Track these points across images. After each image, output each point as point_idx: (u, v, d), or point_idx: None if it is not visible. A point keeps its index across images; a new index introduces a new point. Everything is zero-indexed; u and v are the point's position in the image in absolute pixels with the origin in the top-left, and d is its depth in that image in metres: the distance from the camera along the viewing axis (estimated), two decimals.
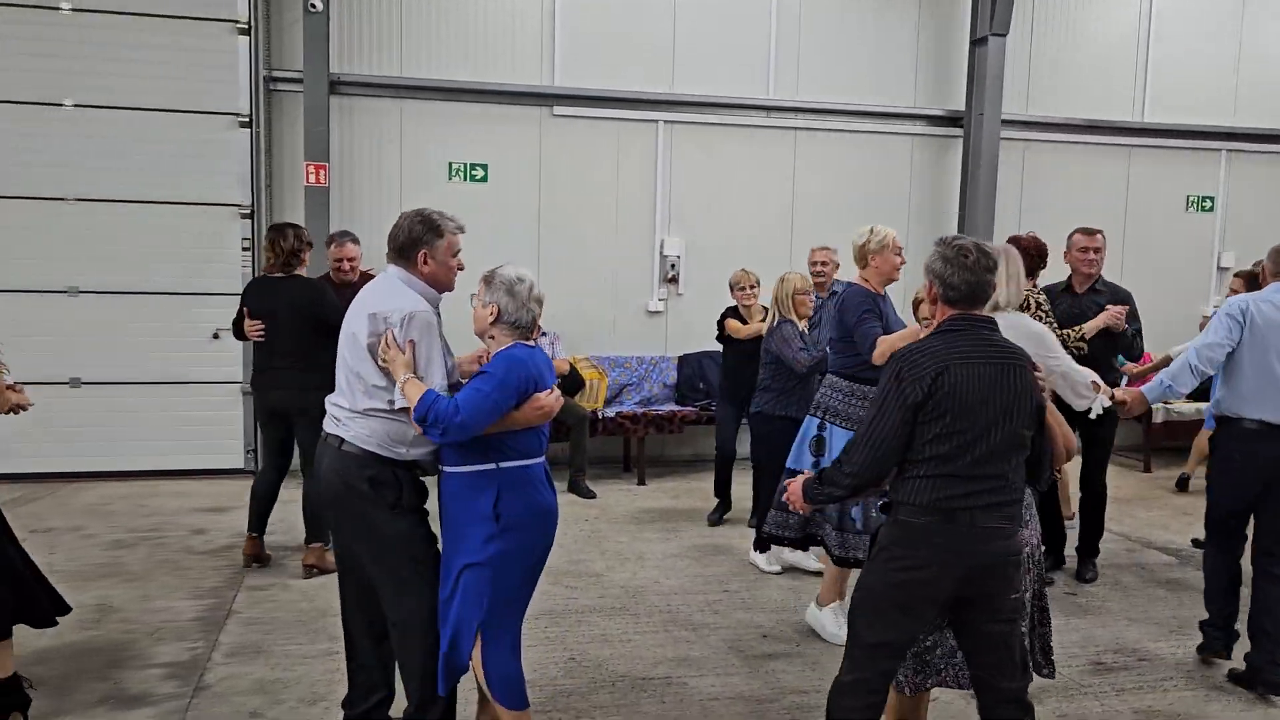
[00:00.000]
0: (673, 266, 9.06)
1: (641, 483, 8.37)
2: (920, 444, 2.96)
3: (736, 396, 6.96)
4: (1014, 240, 6.10)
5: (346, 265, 6.29)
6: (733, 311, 7.08)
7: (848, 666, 3.10)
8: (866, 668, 3.06)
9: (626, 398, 8.77)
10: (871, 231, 4.89)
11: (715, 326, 7.15)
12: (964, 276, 3.02)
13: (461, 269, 3.54)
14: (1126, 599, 5.83)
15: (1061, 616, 5.38)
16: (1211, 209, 10.37)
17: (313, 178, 8.12)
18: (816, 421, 4.98)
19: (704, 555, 6.49)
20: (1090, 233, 6.19)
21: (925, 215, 9.62)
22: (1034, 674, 3.30)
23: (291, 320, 5.66)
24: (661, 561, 6.32)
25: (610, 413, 8.41)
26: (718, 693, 4.44)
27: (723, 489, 7.29)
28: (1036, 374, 3.09)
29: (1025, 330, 4.22)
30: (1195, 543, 6.77)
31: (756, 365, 6.41)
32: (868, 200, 9.41)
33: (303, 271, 5.81)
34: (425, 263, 3.45)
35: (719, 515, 7.26)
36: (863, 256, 4.91)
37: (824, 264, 7.02)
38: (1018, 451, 3.01)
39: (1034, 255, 5.79)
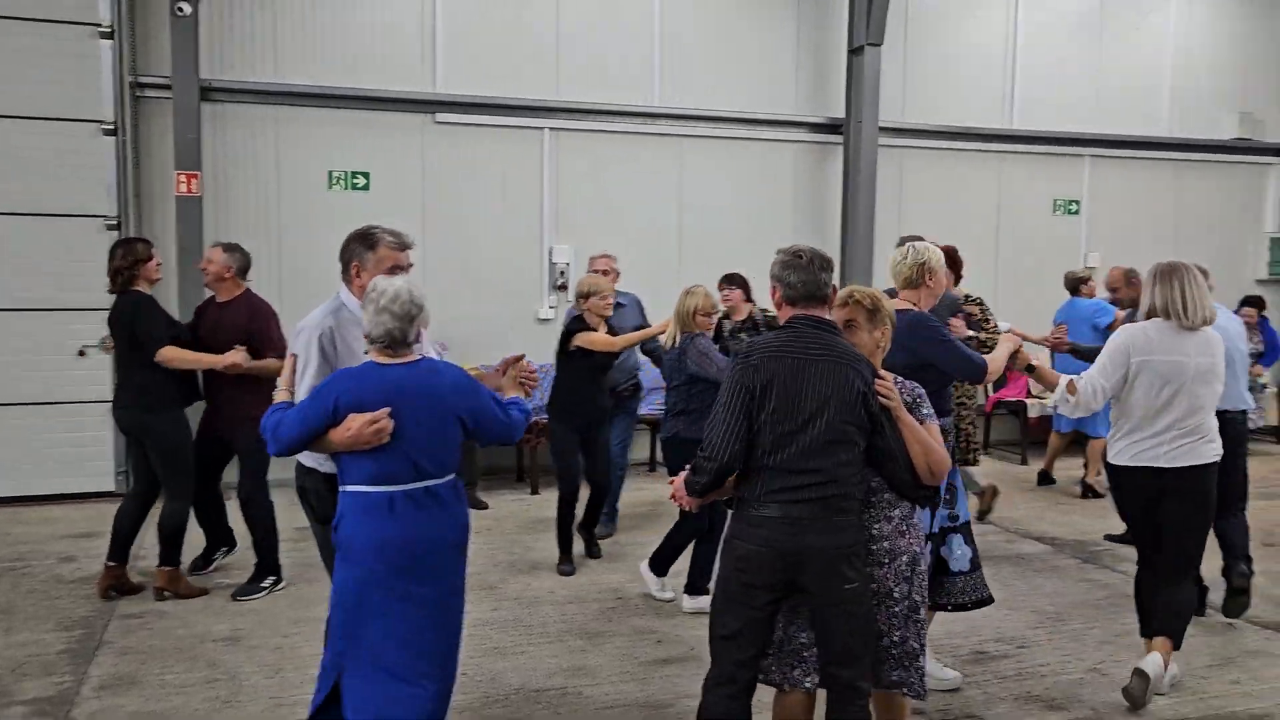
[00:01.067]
0: (562, 274, 9.03)
1: (535, 492, 8.30)
2: (754, 436, 3.13)
3: (574, 420, 6.22)
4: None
5: (210, 273, 5.78)
6: (580, 322, 6.20)
7: (711, 662, 3.26)
8: (722, 659, 3.21)
9: None
10: (925, 250, 4.30)
11: (560, 340, 6.28)
12: (800, 276, 3.20)
13: None
14: (1006, 589, 6.03)
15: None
16: (1077, 212, 10.87)
17: (184, 187, 7.82)
18: None
19: (599, 563, 6.47)
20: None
21: (809, 220, 9.81)
22: (896, 681, 3.31)
23: (118, 339, 5.60)
24: (556, 571, 6.28)
25: None
26: (613, 701, 4.42)
27: (568, 537, 6.31)
28: (881, 382, 3.19)
29: None
30: (1109, 538, 7.05)
31: (600, 384, 6.19)
32: (754, 205, 9.57)
33: (143, 287, 5.57)
34: (358, 275, 3.54)
35: (570, 565, 6.28)
36: (921, 276, 4.27)
37: (605, 273, 6.76)
38: (842, 448, 3.12)
39: (956, 263, 6.16)
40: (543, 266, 9.06)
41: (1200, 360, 4.37)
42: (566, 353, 6.19)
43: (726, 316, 7.02)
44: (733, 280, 6.97)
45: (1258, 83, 11.37)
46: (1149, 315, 4.47)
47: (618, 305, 6.72)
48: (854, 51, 9.54)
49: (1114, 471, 4.60)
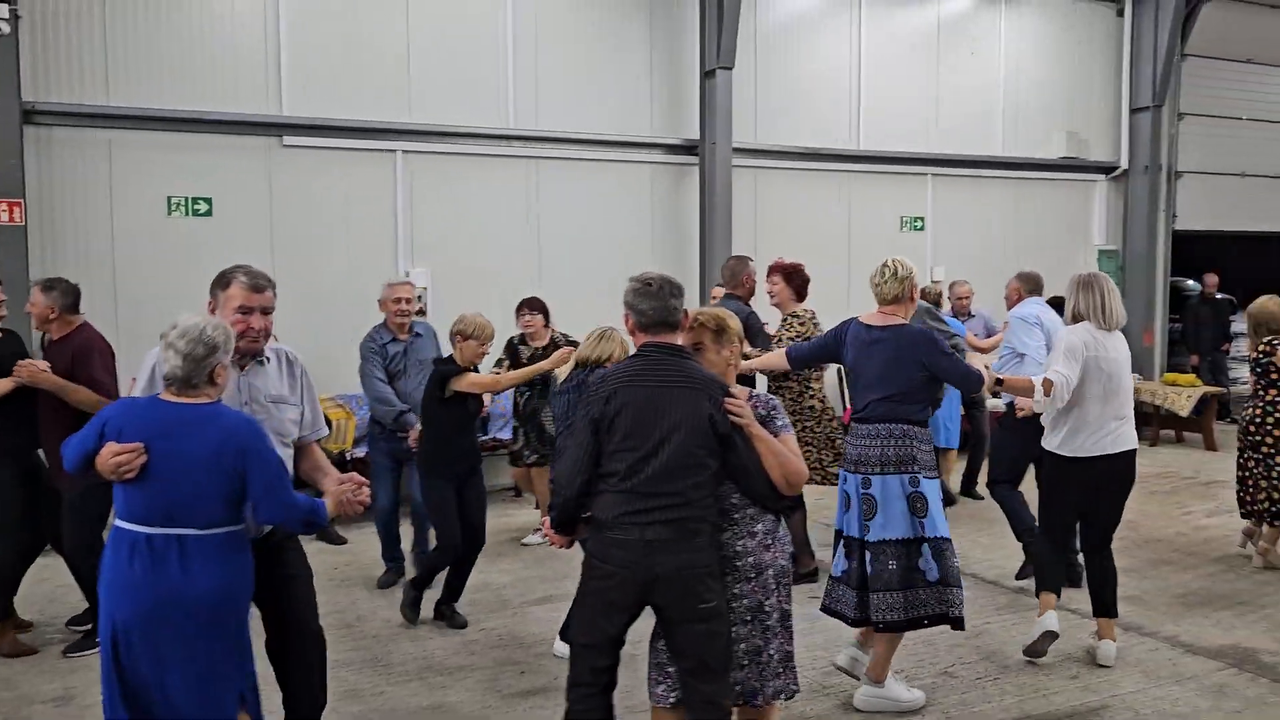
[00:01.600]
0: (420, 298, 8.84)
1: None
2: (605, 460, 3.24)
3: (448, 471, 5.58)
4: (779, 266, 6.45)
5: (35, 315, 5.39)
6: (450, 363, 5.58)
7: (570, 664, 3.44)
8: (579, 666, 3.36)
9: None
10: (906, 266, 4.51)
11: (431, 384, 5.63)
12: (651, 304, 3.30)
13: (255, 326, 3.49)
14: None
15: (808, 619, 5.63)
16: (922, 228, 11.32)
17: (5, 216, 7.33)
18: (906, 478, 4.34)
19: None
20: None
21: (668, 241, 9.91)
22: (776, 691, 3.42)
23: None
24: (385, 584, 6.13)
25: (360, 452, 8.08)
26: None
27: (430, 577, 5.81)
28: (732, 402, 3.24)
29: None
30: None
31: (472, 430, 5.76)
32: (612, 226, 9.61)
33: None
34: (213, 313, 3.49)
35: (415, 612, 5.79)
36: (909, 291, 4.49)
37: (407, 301, 6.50)
38: (693, 471, 3.21)
39: (803, 279, 6.57)
40: None
41: (1122, 356, 5.00)
42: (441, 399, 5.53)
43: (524, 341, 7.05)
44: (533, 305, 7.06)
45: (1081, 106, 12.11)
46: (1074, 319, 4.98)
47: (415, 335, 6.60)
48: (706, 75, 9.70)
49: (1063, 463, 5.03)
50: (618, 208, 9.69)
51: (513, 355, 7.09)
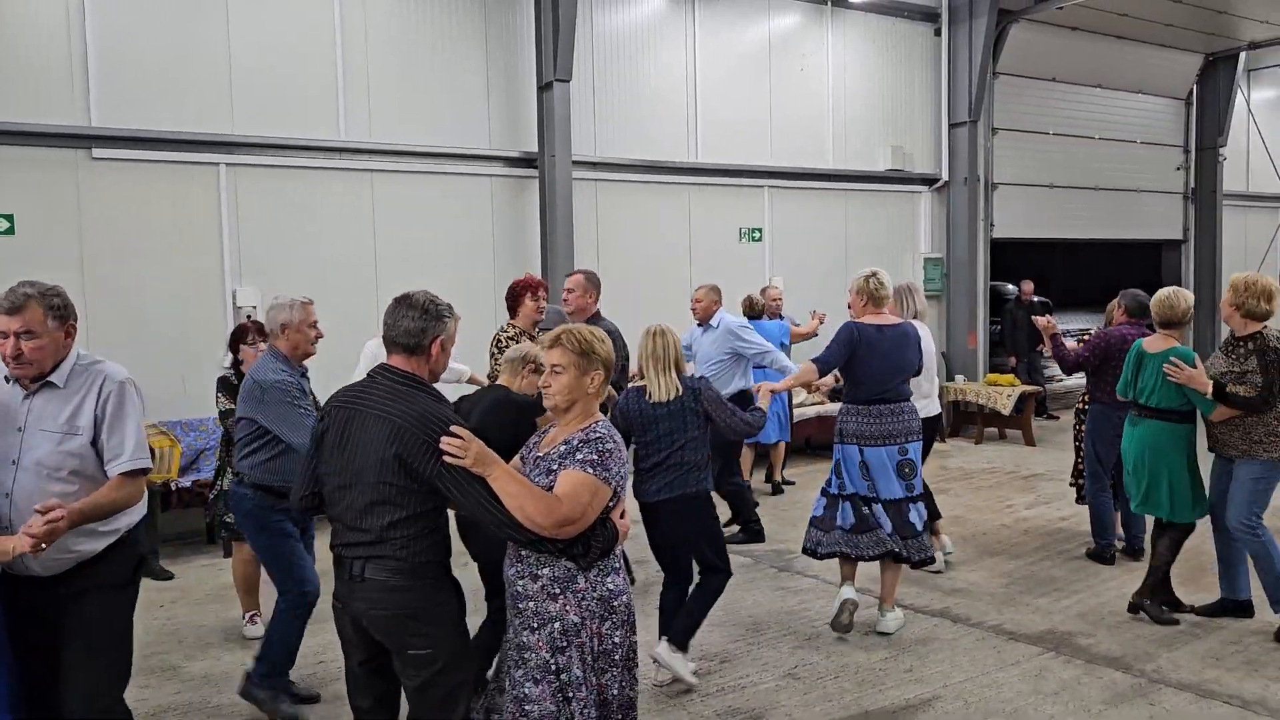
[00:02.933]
0: (249, 317, 8.47)
1: (228, 555, 7.66)
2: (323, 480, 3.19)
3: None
4: (518, 283, 6.37)
5: None
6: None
7: None
8: (349, 691, 3.32)
9: (205, 463, 8.03)
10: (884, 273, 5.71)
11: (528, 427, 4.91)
12: (389, 320, 3.18)
13: (9, 351, 3.24)
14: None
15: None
16: (760, 239, 11.60)
17: None
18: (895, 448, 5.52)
19: None
20: (569, 274, 7.15)
21: (510, 253, 9.82)
22: None
23: None
24: (250, 642, 5.81)
25: (186, 482, 7.66)
26: None
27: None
28: (448, 442, 2.93)
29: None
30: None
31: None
32: (452, 239, 9.46)
33: None
34: None
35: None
36: (877, 299, 5.64)
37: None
38: (387, 509, 3.00)
39: (597, 287, 6.52)
40: (226, 311, 8.46)
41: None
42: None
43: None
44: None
45: (905, 121, 12.68)
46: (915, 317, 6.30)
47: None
48: (544, 87, 9.68)
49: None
50: (457, 222, 9.54)
51: None
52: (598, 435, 3.10)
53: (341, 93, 8.95)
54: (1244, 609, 5.71)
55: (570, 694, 3.03)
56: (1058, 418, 13.43)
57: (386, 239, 9.18)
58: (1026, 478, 9.98)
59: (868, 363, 5.49)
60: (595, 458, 3.03)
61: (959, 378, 12.76)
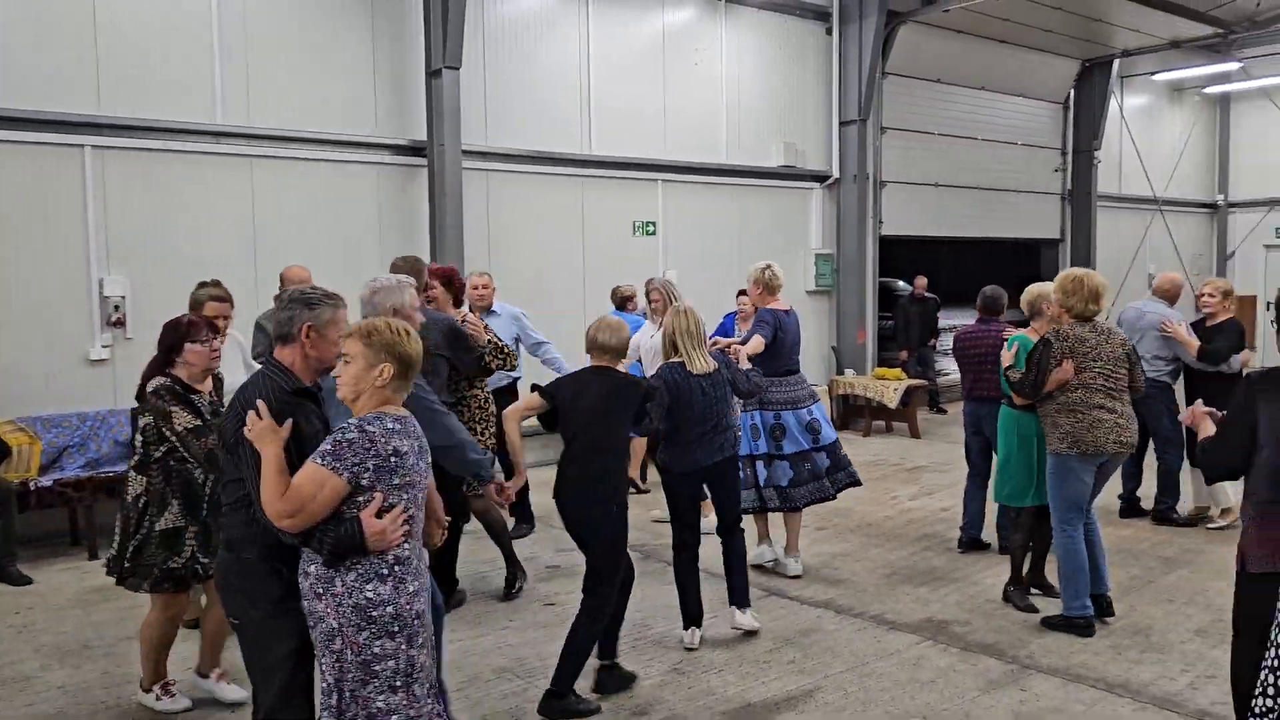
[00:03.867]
0: (117, 308, 8.07)
1: (94, 557, 7.28)
2: None
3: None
4: (434, 270, 6.23)
5: None
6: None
7: None
8: None
9: (69, 461, 7.60)
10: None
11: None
12: (278, 316, 3.27)
13: None
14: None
15: (540, 627, 5.57)
16: (654, 233, 11.59)
17: None
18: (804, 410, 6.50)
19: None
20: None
21: (398, 243, 9.54)
22: None
23: None
24: (113, 647, 5.52)
25: (47, 481, 7.25)
26: None
27: None
28: (251, 414, 3.00)
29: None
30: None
31: None
32: (337, 228, 9.18)
33: None
34: None
35: None
36: (773, 288, 6.50)
37: None
38: (230, 486, 3.21)
39: (456, 286, 6.23)
40: (92, 302, 8.03)
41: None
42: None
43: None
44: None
45: (797, 118, 12.84)
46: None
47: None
48: (432, 74, 9.46)
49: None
50: (342, 211, 9.26)
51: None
52: (344, 426, 2.98)
53: (219, 75, 8.59)
54: (1101, 605, 5.70)
55: (322, 700, 3.03)
56: (946, 410, 13.79)
57: (266, 228, 8.85)
58: (911, 470, 10.22)
59: (782, 340, 6.41)
60: (329, 447, 2.93)
61: (848, 371, 12.99)
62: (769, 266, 6.51)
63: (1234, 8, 15.66)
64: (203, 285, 5.73)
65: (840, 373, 13.02)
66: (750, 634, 5.52)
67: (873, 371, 13.05)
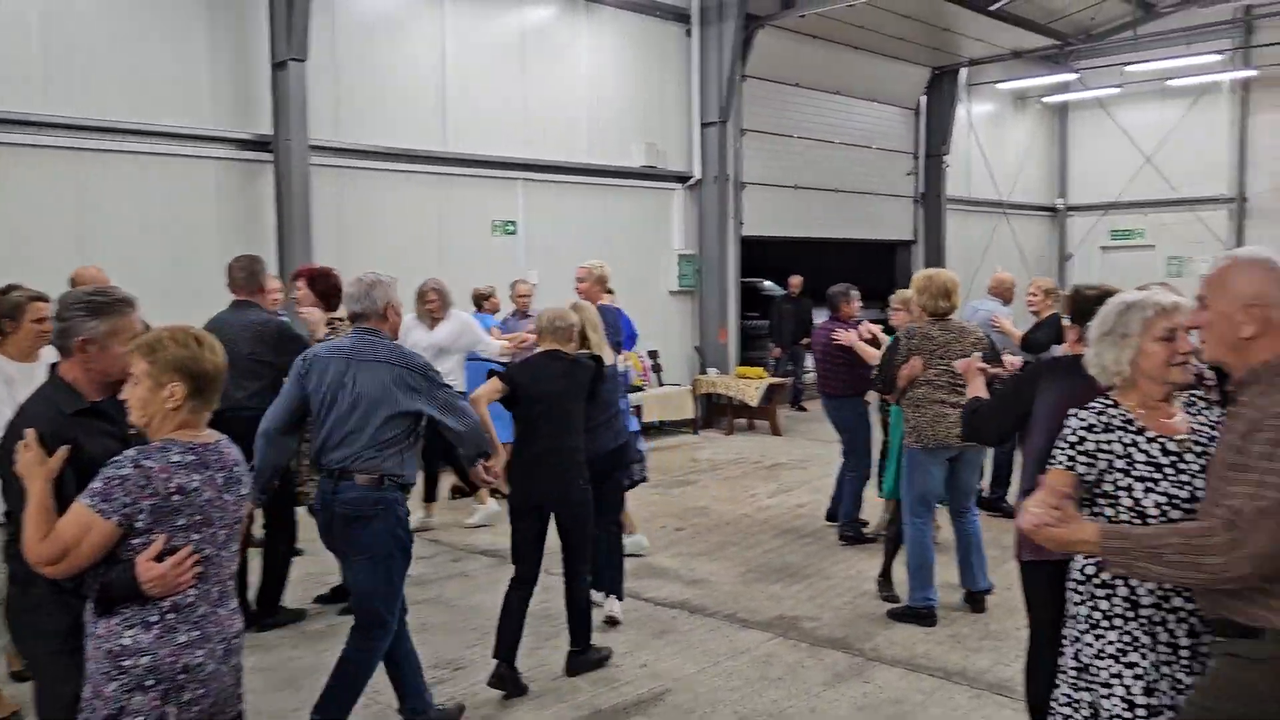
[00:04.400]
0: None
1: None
2: None
3: None
4: (308, 272, 5.99)
5: None
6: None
7: None
8: None
9: None
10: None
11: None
12: (56, 324, 2.96)
13: None
14: (449, 610, 6.03)
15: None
16: (515, 232, 11.43)
17: None
18: None
19: None
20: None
21: (240, 241, 9.07)
22: None
23: None
24: None
25: None
26: None
27: None
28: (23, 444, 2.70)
29: None
30: None
31: None
32: (174, 225, 8.72)
33: None
34: None
35: None
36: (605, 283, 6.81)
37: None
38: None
39: (334, 287, 5.83)
40: None
41: None
42: None
43: None
44: None
45: (658, 118, 12.88)
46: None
47: None
48: (277, 66, 9.07)
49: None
50: (179, 208, 8.78)
51: None
52: (117, 459, 2.59)
53: (42, 61, 8.03)
54: (974, 600, 5.88)
55: None
56: (807, 409, 14.05)
57: (97, 225, 8.32)
58: (771, 467, 10.36)
59: (616, 331, 6.49)
60: (99, 485, 2.55)
61: (711, 371, 13.11)
62: (602, 265, 6.84)
63: (1071, 21, 16.54)
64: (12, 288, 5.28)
65: (703, 372, 13.12)
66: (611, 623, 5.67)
67: (735, 370, 13.20)
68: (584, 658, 5.06)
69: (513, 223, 11.42)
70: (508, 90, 11.23)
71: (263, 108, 9.21)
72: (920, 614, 5.64)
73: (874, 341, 7.02)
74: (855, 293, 7.54)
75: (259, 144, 9.22)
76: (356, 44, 9.96)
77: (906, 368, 5.60)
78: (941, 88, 17.03)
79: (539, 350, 5.04)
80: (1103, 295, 3.11)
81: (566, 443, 4.89)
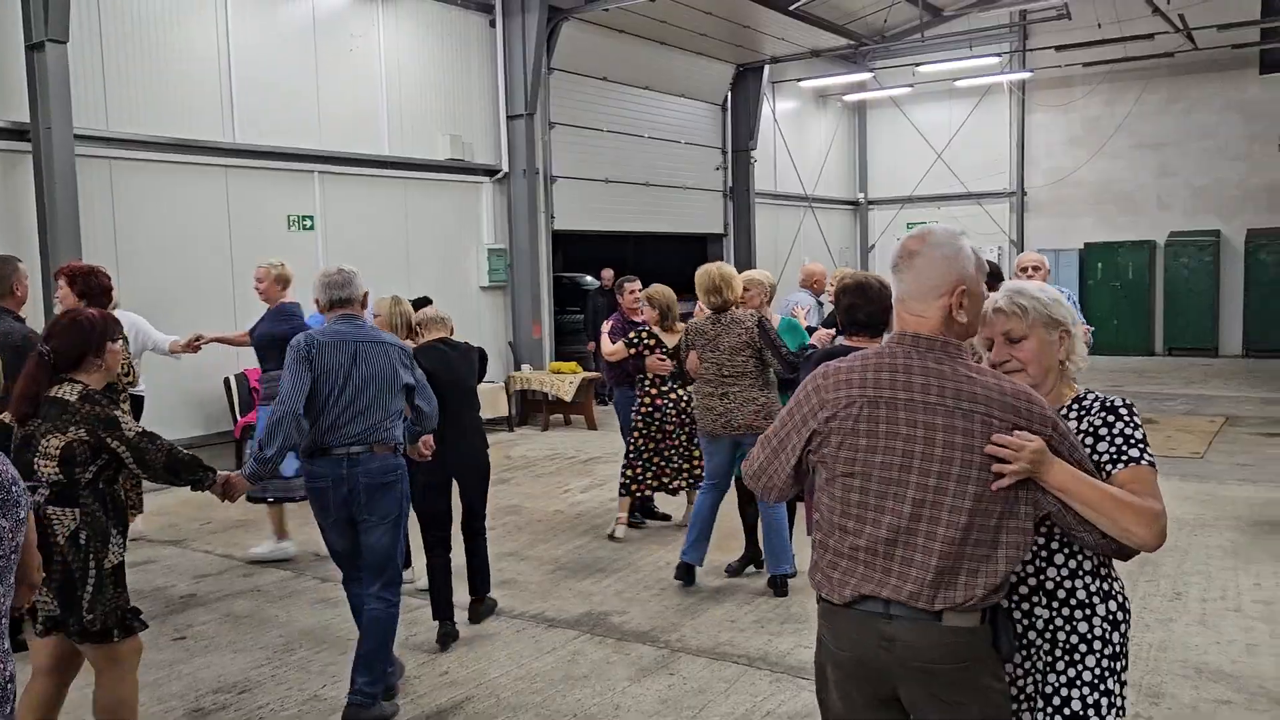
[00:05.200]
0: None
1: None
2: None
3: None
4: (69, 270, 5.55)
5: None
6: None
7: None
8: None
9: None
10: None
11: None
12: None
13: None
14: (236, 629, 5.64)
15: (164, 666, 4.95)
16: (312, 227, 10.90)
17: None
18: None
19: None
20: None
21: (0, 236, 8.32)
22: None
23: None
24: None
25: None
26: None
27: None
28: None
29: None
30: None
31: None
32: None
33: None
34: None
35: None
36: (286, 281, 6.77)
37: None
38: None
39: (106, 290, 5.51)
40: None
41: None
42: None
43: None
44: None
45: (464, 110, 12.57)
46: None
47: None
48: (33, 47, 8.27)
49: None
50: None
51: None
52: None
53: None
54: (776, 584, 5.95)
55: None
56: None
57: None
58: (585, 462, 10.29)
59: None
60: None
61: (525, 367, 12.93)
62: (282, 264, 6.81)
63: (865, 23, 17.24)
64: None
65: (517, 368, 12.93)
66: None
67: (549, 366, 13.06)
68: (486, 605, 5.65)
69: (310, 217, 10.88)
70: (299, 80, 10.69)
71: (18, 93, 8.39)
72: (679, 571, 6.16)
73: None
74: (630, 284, 7.97)
75: (16, 132, 8.41)
76: (127, 25, 9.22)
77: (689, 362, 6.08)
78: (747, 85, 17.42)
79: (432, 339, 5.49)
80: (859, 285, 3.17)
81: (470, 418, 5.51)
